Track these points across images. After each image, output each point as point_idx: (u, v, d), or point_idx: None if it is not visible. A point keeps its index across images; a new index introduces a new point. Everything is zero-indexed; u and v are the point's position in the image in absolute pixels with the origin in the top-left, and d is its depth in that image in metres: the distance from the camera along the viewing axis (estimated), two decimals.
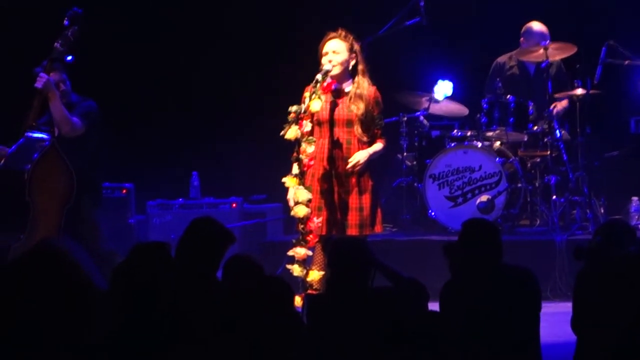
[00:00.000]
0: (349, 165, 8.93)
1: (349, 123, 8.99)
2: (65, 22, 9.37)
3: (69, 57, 9.40)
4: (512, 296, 6.43)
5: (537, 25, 11.78)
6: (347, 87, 9.05)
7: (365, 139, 8.99)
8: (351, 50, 9.04)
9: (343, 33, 9.05)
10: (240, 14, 12.99)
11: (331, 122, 9.01)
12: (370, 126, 9.02)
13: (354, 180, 9.00)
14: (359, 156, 8.94)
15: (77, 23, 9.37)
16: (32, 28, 11.54)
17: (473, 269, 6.52)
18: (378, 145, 9.06)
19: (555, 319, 6.84)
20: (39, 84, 9.34)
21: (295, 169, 8.92)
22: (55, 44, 9.35)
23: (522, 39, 11.85)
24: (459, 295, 6.49)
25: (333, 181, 9.03)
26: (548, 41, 11.51)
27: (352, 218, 9.02)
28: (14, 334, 5.01)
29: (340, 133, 9.00)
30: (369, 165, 9.03)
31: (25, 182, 9.15)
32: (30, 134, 9.35)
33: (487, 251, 6.53)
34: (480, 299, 6.39)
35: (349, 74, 9.07)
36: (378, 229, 9.21)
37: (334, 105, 9.01)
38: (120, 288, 5.62)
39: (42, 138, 9.33)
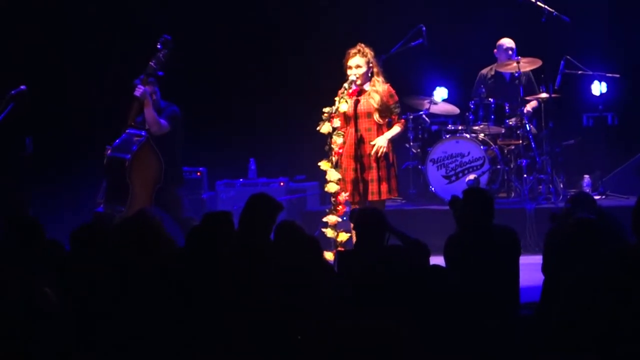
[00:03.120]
0: (373, 151, 9.01)
1: (369, 114, 9.12)
2: (159, 46, 9.49)
3: (160, 73, 9.50)
4: (501, 247, 6.44)
5: (505, 41, 11.77)
6: (367, 86, 9.14)
7: (382, 122, 9.13)
8: (368, 62, 9.11)
9: (361, 49, 9.09)
10: (295, 28, 12.99)
11: (355, 116, 9.09)
12: (387, 114, 9.13)
13: (374, 158, 9.07)
14: (380, 142, 9.06)
15: (167, 47, 9.48)
16: (130, 51, 11.54)
17: (472, 226, 6.52)
18: (396, 128, 9.20)
19: (526, 268, 6.81)
20: (137, 93, 9.46)
21: (328, 155, 8.99)
22: (150, 63, 9.50)
23: (495, 50, 11.84)
24: (460, 247, 6.49)
25: (358, 159, 9.12)
26: (514, 53, 11.56)
27: (373, 187, 9.10)
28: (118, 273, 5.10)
29: (362, 123, 9.14)
30: (388, 145, 9.09)
31: (126, 168, 9.24)
32: (131, 130, 9.44)
33: (483, 212, 6.52)
34: (477, 249, 6.39)
35: (368, 77, 9.14)
36: (394, 194, 9.30)
37: (357, 103, 9.08)
38: (195, 243, 5.66)
39: (139, 133, 9.42)
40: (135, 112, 9.51)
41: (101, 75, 12.14)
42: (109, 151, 9.44)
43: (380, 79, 9.18)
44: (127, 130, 9.49)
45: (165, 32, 9.65)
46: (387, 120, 9.15)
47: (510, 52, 11.69)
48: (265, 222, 6.68)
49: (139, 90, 9.47)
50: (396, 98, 9.24)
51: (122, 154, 9.37)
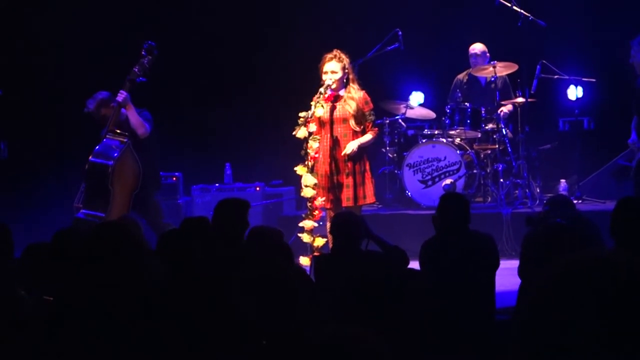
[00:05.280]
0: (343, 152, 9.04)
1: (345, 120, 9.13)
2: (143, 52, 9.42)
3: (143, 79, 9.46)
4: (476, 254, 6.42)
5: (477, 45, 11.84)
6: (342, 92, 9.14)
7: (358, 129, 9.14)
8: (344, 68, 9.13)
9: (337, 55, 9.11)
10: (270, 35, 13.02)
11: (331, 121, 9.11)
12: (362, 120, 9.14)
13: (349, 164, 9.12)
14: (352, 145, 9.08)
15: (151, 54, 9.41)
16: (108, 55, 11.53)
17: (447, 230, 6.50)
18: (368, 136, 9.19)
19: (502, 272, 6.82)
20: (119, 98, 9.41)
21: (304, 160, 9.01)
22: (134, 68, 9.42)
23: (469, 55, 11.90)
24: (436, 252, 6.48)
25: (333, 165, 9.13)
26: (487, 58, 11.66)
27: (348, 193, 9.13)
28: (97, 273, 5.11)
29: (338, 129, 9.15)
30: (360, 152, 9.11)
31: (108, 174, 9.20)
32: (111, 136, 9.39)
33: (458, 217, 6.51)
34: (452, 255, 6.38)
35: (343, 83, 9.16)
36: (370, 200, 9.28)
37: (332, 109, 9.09)
38: (167, 248, 5.64)
39: (120, 139, 9.38)
40: (116, 117, 9.45)
41: (78, 79, 12.09)
42: (90, 157, 9.40)
43: (356, 85, 9.20)
44: (107, 136, 9.44)
45: (142, 37, 9.60)
46: (362, 127, 9.16)
47: (478, 57, 11.74)
48: (235, 224, 6.70)
49: (120, 96, 9.42)
50: (371, 105, 9.25)
51: (104, 160, 9.32)
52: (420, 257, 6.55)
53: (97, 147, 9.40)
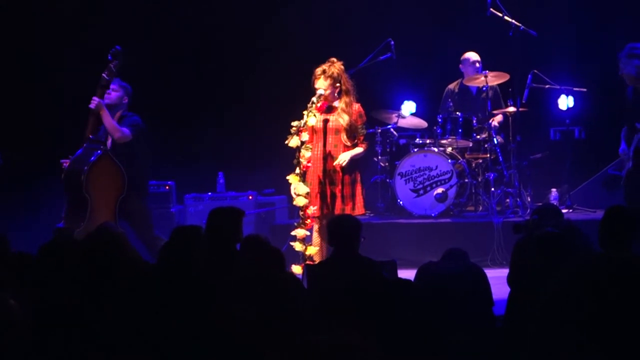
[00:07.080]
0: (335, 163, 9.08)
1: (337, 131, 9.17)
2: (109, 57, 9.45)
3: (114, 84, 9.49)
4: (469, 283, 6.47)
5: (471, 54, 11.88)
6: (337, 103, 9.18)
7: (349, 143, 9.19)
8: (334, 82, 9.14)
9: (326, 70, 9.12)
10: (266, 47, 13.04)
11: (324, 131, 9.13)
12: (354, 134, 9.16)
13: (339, 175, 9.14)
14: (343, 156, 9.13)
15: (117, 58, 9.44)
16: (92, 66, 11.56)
17: (448, 263, 6.56)
18: (359, 149, 9.22)
19: (493, 282, 6.84)
20: (92, 105, 9.42)
21: (296, 169, 9.02)
22: (103, 74, 9.44)
23: (461, 65, 11.93)
24: (433, 275, 6.50)
25: (325, 175, 9.15)
26: (480, 67, 11.70)
27: (338, 203, 9.13)
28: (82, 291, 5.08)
29: (330, 139, 9.17)
30: (352, 163, 9.14)
31: (82, 181, 9.18)
32: (88, 144, 9.40)
33: (460, 261, 6.55)
34: (449, 280, 6.41)
35: (337, 95, 9.19)
36: (359, 212, 9.27)
37: (326, 119, 9.12)
38: (166, 258, 5.65)
39: (97, 146, 9.37)
40: (92, 124, 9.45)
41: (64, 89, 12.09)
42: (65, 164, 9.40)
43: (351, 98, 9.22)
44: (85, 144, 9.43)
45: (138, 47, 9.62)
46: (354, 141, 9.21)
47: (477, 65, 11.80)
48: (230, 233, 6.71)
49: (93, 103, 9.43)
50: (365, 118, 9.30)
51: (78, 167, 9.30)
52: (417, 275, 6.59)
53: (75, 154, 9.41)
